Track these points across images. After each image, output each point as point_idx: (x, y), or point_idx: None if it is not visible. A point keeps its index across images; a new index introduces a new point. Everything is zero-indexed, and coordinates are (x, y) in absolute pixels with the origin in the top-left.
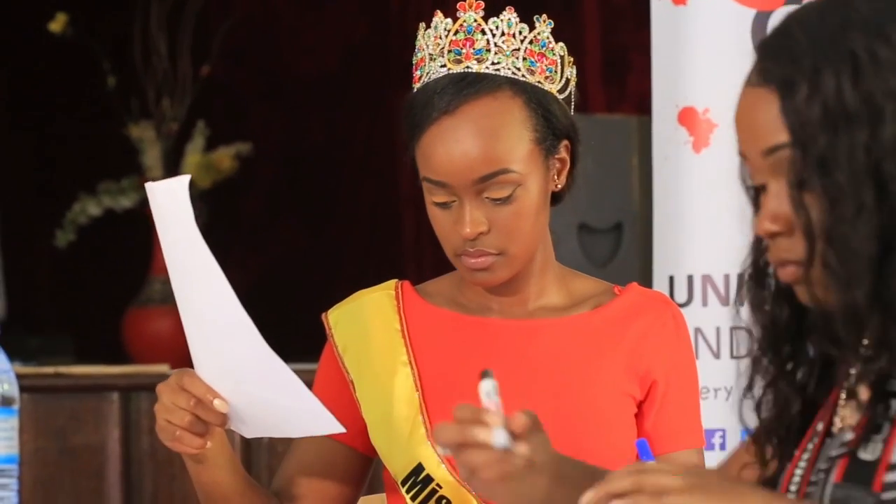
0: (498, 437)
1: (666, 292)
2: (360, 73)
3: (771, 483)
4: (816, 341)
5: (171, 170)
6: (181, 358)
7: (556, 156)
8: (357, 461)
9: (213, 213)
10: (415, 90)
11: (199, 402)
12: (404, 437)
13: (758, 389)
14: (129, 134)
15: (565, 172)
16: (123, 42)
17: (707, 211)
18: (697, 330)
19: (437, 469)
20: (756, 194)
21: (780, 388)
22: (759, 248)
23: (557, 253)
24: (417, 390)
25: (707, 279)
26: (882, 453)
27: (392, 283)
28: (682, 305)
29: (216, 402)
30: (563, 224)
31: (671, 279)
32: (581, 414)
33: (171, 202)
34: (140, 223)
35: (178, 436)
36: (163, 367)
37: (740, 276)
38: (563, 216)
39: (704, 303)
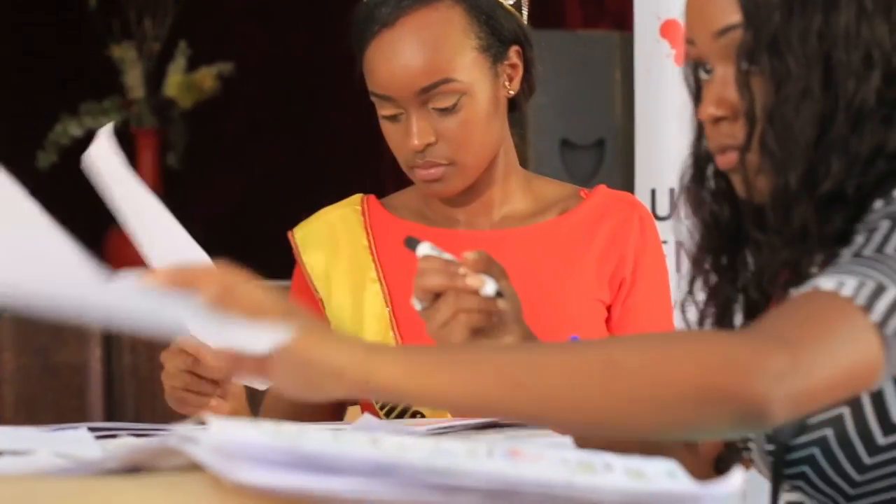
0: (488, 284)
1: (648, 206)
2: None
3: None
4: (749, 231)
5: (154, 90)
6: None
7: (506, 62)
8: None
9: (195, 133)
10: (360, 4)
11: (196, 359)
12: None
13: (699, 294)
14: (110, 55)
15: (518, 78)
16: None
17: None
18: (679, 244)
19: None
20: (697, 88)
21: (722, 290)
22: (699, 147)
23: (541, 170)
24: (387, 306)
25: None
26: None
27: (357, 198)
28: (663, 219)
29: (209, 357)
30: (546, 141)
31: (653, 192)
32: (552, 322)
33: (103, 158)
34: (122, 144)
35: (182, 397)
36: None
37: (681, 178)
38: (545, 133)
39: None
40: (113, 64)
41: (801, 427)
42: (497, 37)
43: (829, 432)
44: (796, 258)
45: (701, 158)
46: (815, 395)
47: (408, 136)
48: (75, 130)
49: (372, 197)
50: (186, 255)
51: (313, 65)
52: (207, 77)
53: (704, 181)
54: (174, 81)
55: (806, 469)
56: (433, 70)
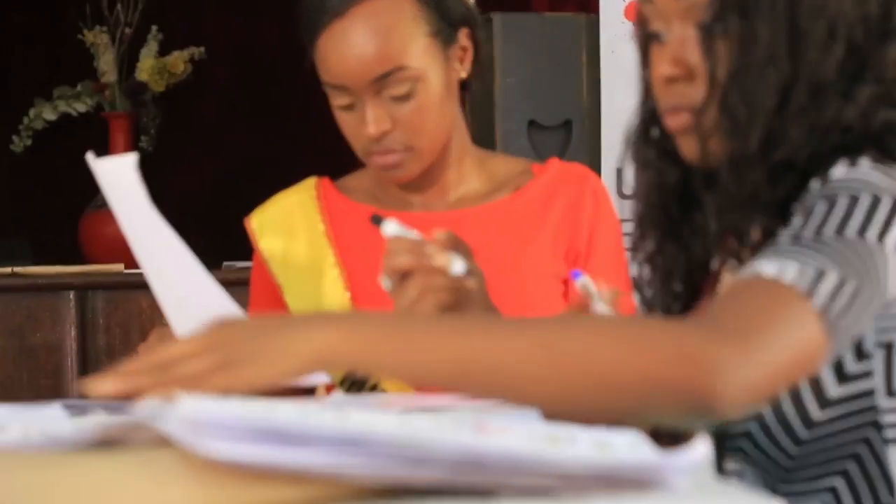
0: (456, 263)
1: (614, 186)
2: None
3: None
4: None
5: (126, 74)
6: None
7: (457, 45)
8: None
9: (167, 117)
10: None
11: None
12: None
13: (644, 254)
14: (83, 39)
15: (469, 59)
16: None
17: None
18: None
19: None
20: (646, 46)
21: (667, 249)
22: (647, 106)
23: (508, 150)
24: (347, 290)
25: None
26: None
27: (312, 181)
28: (629, 197)
29: None
30: (514, 122)
31: (619, 172)
32: (510, 301)
33: (119, 180)
34: (95, 127)
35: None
36: (118, 267)
37: (626, 137)
38: (513, 114)
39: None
40: (86, 49)
41: None
42: (447, 21)
43: (766, 409)
44: (743, 222)
45: (647, 118)
46: (764, 386)
47: (363, 124)
48: (49, 115)
49: (326, 180)
50: (190, 277)
51: (284, 49)
52: (179, 61)
53: (650, 141)
54: (146, 66)
55: (744, 444)
56: (386, 58)
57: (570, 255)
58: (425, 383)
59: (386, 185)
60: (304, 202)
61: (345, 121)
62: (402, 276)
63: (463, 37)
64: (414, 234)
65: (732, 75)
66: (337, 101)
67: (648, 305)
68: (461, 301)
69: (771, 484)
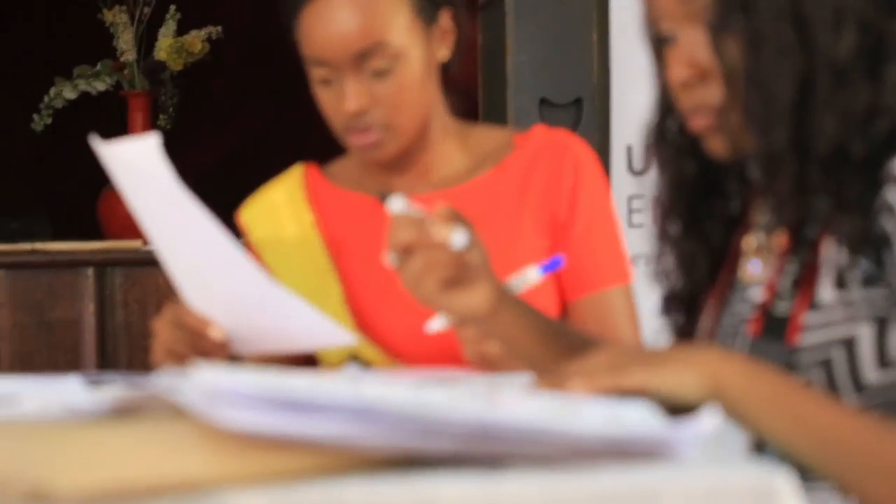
0: (458, 237)
1: (624, 162)
2: None
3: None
4: (735, 189)
5: (145, 53)
6: None
7: (439, 25)
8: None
9: (184, 95)
10: None
11: (195, 334)
12: None
13: (666, 253)
14: (102, 19)
15: (451, 41)
16: None
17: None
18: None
19: (371, 352)
20: (659, 48)
21: (690, 238)
22: (663, 104)
23: (520, 128)
24: (339, 284)
25: None
26: (797, 306)
27: (299, 169)
28: (640, 174)
29: (210, 331)
30: (525, 100)
31: (629, 149)
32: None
33: (136, 161)
34: (114, 106)
35: (171, 363)
36: (136, 243)
37: (645, 138)
38: (524, 92)
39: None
40: (105, 28)
41: None
42: (429, 0)
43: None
44: (796, 220)
45: (663, 117)
46: None
47: (343, 100)
48: (69, 93)
49: (314, 167)
50: (219, 252)
51: None
52: (196, 40)
53: (667, 139)
54: (164, 45)
55: None
56: (368, 34)
57: (554, 227)
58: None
59: (368, 170)
60: (291, 192)
61: (323, 97)
62: (406, 252)
63: (445, 18)
64: (416, 210)
65: (747, 73)
66: (315, 75)
67: (672, 293)
68: (464, 275)
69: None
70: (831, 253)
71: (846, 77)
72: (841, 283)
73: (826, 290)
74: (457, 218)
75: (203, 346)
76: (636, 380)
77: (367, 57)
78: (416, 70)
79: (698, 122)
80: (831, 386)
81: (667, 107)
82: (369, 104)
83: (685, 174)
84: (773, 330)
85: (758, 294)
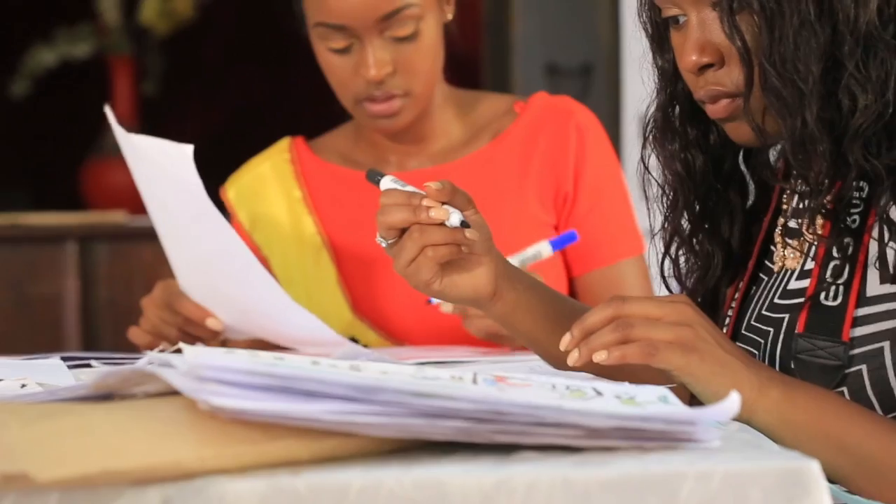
0: (453, 215)
1: (636, 132)
2: None
3: None
4: (763, 176)
5: (129, 16)
6: (138, 205)
7: None
8: None
9: (172, 61)
10: None
11: (188, 320)
12: (332, 316)
13: (677, 248)
14: None
15: (454, 2)
16: None
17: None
18: None
19: (370, 336)
20: (660, 33)
21: (702, 242)
22: (666, 93)
23: (525, 95)
24: (332, 260)
25: None
26: (847, 297)
27: (285, 143)
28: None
29: (209, 321)
30: (530, 65)
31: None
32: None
33: (169, 164)
34: (96, 72)
35: (154, 343)
36: (120, 215)
37: (645, 132)
38: (529, 57)
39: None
40: None
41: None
42: None
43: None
44: (834, 204)
45: (665, 108)
46: None
47: (364, 66)
48: (48, 57)
49: (300, 139)
50: (227, 250)
51: None
52: (182, 3)
53: (672, 132)
54: (150, 7)
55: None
56: None
57: (558, 199)
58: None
59: (360, 144)
60: (278, 167)
61: (337, 66)
62: (399, 233)
63: None
64: (409, 188)
65: (766, 53)
66: (331, 43)
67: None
68: (464, 254)
69: None
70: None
71: (873, 45)
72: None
73: (875, 281)
74: (453, 192)
75: (195, 332)
76: (669, 362)
77: (390, 21)
78: (434, 32)
79: (717, 110)
80: (881, 378)
81: (670, 96)
82: (391, 70)
83: (693, 169)
84: (823, 323)
85: (797, 284)
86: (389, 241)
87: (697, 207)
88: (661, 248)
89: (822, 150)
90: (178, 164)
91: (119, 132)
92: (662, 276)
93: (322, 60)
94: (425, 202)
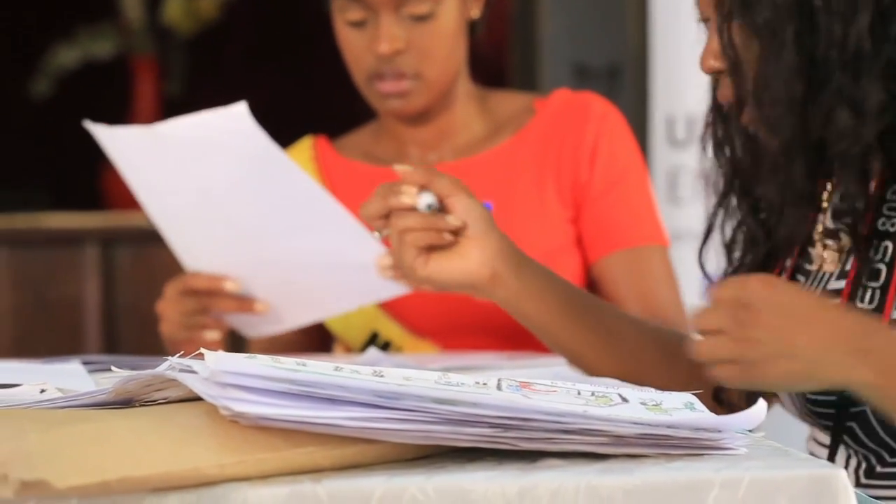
0: (422, 198)
1: (663, 133)
2: None
3: None
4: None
5: (153, 15)
6: None
7: None
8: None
9: (196, 60)
10: None
11: (209, 293)
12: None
13: (726, 233)
14: None
15: (482, 1)
16: None
17: None
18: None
19: (392, 329)
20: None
21: (749, 227)
22: (717, 87)
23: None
24: None
25: None
26: (883, 302)
27: (308, 141)
28: (680, 146)
29: (227, 284)
30: (557, 64)
31: (669, 120)
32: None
33: (217, 132)
34: (119, 71)
35: (192, 336)
36: (141, 217)
37: (706, 115)
38: (556, 58)
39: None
40: None
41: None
42: None
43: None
44: (863, 210)
45: (718, 103)
46: None
47: (375, 40)
48: (70, 56)
49: (323, 138)
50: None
51: None
52: (207, 2)
53: (721, 123)
54: (174, 7)
55: (854, 425)
56: None
57: (576, 188)
58: None
59: (382, 140)
60: (301, 165)
61: (351, 39)
62: (386, 222)
63: None
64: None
65: (754, 70)
66: (348, 14)
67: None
68: (450, 240)
69: (870, 464)
70: None
71: (865, 65)
72: None
73: None
74: (431, 177)
75: (218, 305)
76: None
77: None
78: (452, 20)
79: (735, 115)
80: None
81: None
82: (403, 47)
83: (740, 157)
84: None
85: (836, 285)
86: (380, 232)
87: (747, 195)
88: (706, 231)
89: (797, 169)
90: (231, 127)
91: (106, 132)
92: (700, 261)
93: (340, 36)
94: (397, 188)
